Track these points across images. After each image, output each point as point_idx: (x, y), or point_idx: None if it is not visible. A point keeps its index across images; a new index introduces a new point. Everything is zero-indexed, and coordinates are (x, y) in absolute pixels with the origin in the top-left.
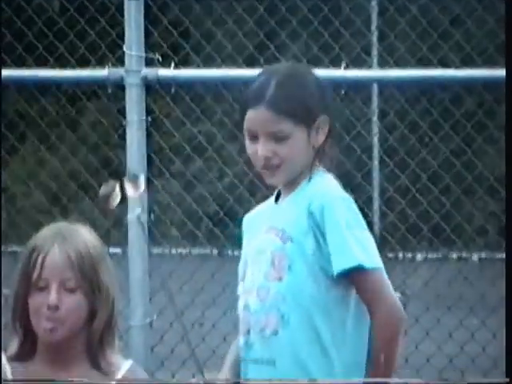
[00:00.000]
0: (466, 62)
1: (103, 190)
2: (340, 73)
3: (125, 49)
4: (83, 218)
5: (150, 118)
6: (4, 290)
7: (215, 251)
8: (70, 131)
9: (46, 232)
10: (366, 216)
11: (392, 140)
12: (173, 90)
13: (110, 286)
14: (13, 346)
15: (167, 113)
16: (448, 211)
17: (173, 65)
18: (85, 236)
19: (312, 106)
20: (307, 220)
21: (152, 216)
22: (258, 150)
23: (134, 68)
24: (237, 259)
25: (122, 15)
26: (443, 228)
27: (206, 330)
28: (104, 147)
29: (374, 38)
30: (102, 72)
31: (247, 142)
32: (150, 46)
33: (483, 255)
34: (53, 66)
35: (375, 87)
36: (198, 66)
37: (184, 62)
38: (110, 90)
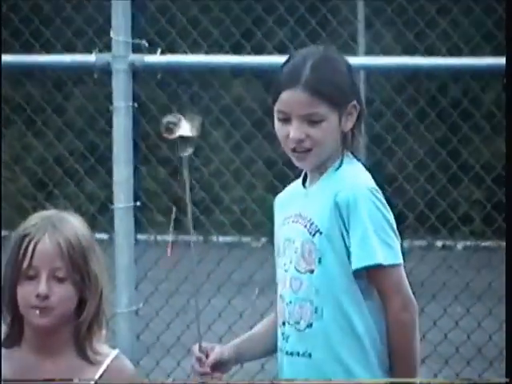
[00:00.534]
0: (453, 51)
1: (169, 118)
2: None
3: (112, 35)
4: (69, 204)
5: (136, 104)
6: None
7: (200, 238)
8: (55, 116)
9: (36, 220)
10: (393, 207)
11: (378, 128)
12: (159, 76)
13: (99, 276)
14: None
15: (154, 99)
16: (433, 199)
17: (159, 51)
18: (75, 225)
19: (345, 90)
20: (334, 211)
21: (138, 202)
22: (289, 132)
23: (121, 54)
24: (222, 246)
25: (109, 1)
26: (428, 216)
27: (191, 317)
28: (90, 133)
29: (361, 26)
30: (88, 58)
31: (278, 124)
32: (136, 32)
33: (468, 243)
34: (39, 52)
35: (362, 75)
36: (185, 53)
37: (171, 49)
38: (96, 76)
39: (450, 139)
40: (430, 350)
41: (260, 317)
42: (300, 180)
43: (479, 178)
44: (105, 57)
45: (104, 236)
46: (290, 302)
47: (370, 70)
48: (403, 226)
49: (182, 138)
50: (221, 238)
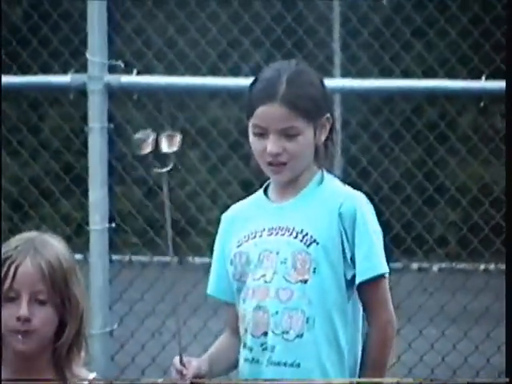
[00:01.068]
0: (428, 73)
1: (138, 135)
2: None
3: (88, 55)
4: (44, 225)
5: (112, 125)
6: None
7: (176, 259)
8: (31, 137)
9: (18, 242)
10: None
11: (354, 149)
12: (135, 97)
13: (79, 299)
14: None
15: (129, 119)
16: (409, 221)
17: (135, 72)
18: (56, 248)
19: (320, 103)
20: (336, 222)
21: (113, 223)
22: (266, 147)
23: (97, 74)
24: (198, 268)
25: (85, 22)
26: (404, 238)
27: (166, 338)
28: (66, 153)
29: (337, 48)
30: (64, 78)
31: (253, 139)
32: (112, 52)
33: (443, 265)
34: (15, 73)
35: (338, 97)
36: (161, 74)
37: (147, 70)
38: (71, 97)
39: (426, 161)
40: (405, 373)
41: None
42: (258, 195)
43: (455, 201)
44: (80, 77)
45: (79, 256)
46: (277, 313)
47: (346, 92)
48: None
49: (160, 154)
50: (197, 260)
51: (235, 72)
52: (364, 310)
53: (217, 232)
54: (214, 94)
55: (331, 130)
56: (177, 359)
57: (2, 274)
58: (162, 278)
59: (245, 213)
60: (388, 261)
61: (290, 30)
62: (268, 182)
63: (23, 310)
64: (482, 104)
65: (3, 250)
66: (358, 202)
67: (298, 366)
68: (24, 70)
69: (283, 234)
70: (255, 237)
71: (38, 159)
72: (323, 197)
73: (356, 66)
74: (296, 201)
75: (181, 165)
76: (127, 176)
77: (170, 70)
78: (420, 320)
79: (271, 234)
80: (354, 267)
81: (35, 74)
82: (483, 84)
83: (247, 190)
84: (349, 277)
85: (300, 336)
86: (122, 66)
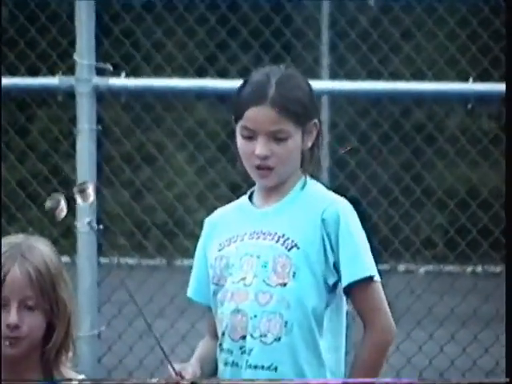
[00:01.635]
0: (417, 75)
1: (48, 204)
2: None
3: (76, 58)
4: (31, 227)
5: (100, 127)
6: None
7: (164, 262)
8: (18, 139)
9: (6, 248)
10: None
11: (342, 152)
12: (123, 99)
13: (67, 303)
14: None
15: (117, 121)
16: (396, 223)
17: (123, 74)
18: (44, 252)
19: (308, 107)
20: (318, 228)
21: (101, 226)
22: (255, 149)
23: (85, 77)
24: (185, 269)
25: (74, 24)
26: (391, 240)
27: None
28: (54, 155)
29: (325, 50)
30: (52, 80)
31: (241, 141)
32: (101, 55)
33: (430, 268)
34: (3, 75)
35: (326, 99)
36: (149, 76)
37: (135, 72)
38: (60, 99)
39: (414, 164)
40: (393, 375)
41: None
42: (243, 200)
43: (442, 203)
44: (69, 80)
45: (66, 259)
46: (255, 316)
47: (334, 94)
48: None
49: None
50: (185, 262)
51: (223, 74)
52: (359, 316)
53: None
54: (202, 95)
55: (317, 136)
56: (171, 371)
57: None
58: (150, 279)
59: (228, 217)
60: (375, 263)
61: (278, 33)
62: (253, 188)
63: (12, 317)
64: (469, 106)
65: None
66: (341, 208)
67: (275, 369)
68: (11, 72)
69: (265, 239)
70: (236, 241)
71: (26, 161)
72: (306, 202)
73: (344, 68)
74: (279, 206)
75: (168, 166)
76: (115, 178)
77: (158, 73)
78: (408, 322)
79: (252, 238)
80: (337, 273)
81: (23, 75)
82: (471, 86)
83: (235, 192)
84: (330, 282)
85: (278, 339)
86: (111, 68)
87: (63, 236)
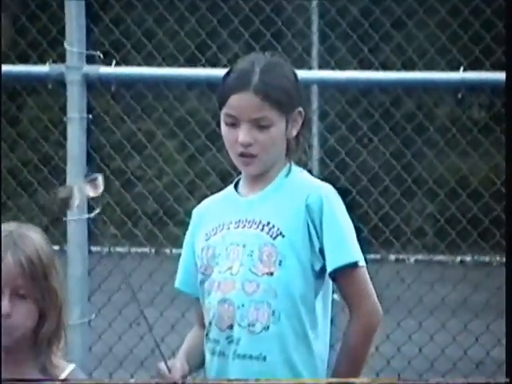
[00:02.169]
0: (407, 65)
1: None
2: None
3: (66, 45)
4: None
5: (90, 115)
6: None
7: (153, 250)
8: (9, 127)
9: None
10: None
11: (332, 141)
12: (113, 88)
13: (59, 292)
14: None
15: (108, 110)
16: (386, 213)
17: (114, 63)
18: (35, 241)
19: (293, 95)
20: (303, 214)
21: (91, 214)
22: (237, 137)
23: (75, 65)
24: (175, 258)
25: (64, 12)
26: (382, 229)
27: (144, 329)
28: (44, 144)
29: (315, 39)
30: (42, 68)
31: (225, 129)
32: (91, 43)
33: (420, 257)
34: None
35: (316, 88)
36: (139, 65)
37: (125, 60)
38: (50, 87)
39: (404, 153)
40: (383, 364)
41: None
42: (229, 189)
43: (432, 192)
44: (59, 67)
45: (56, 247)
46: (243, 305)
47: (324, 84)
48: (357, 240)
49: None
50: (174, 251)
51: (213, 63)
52: (345, 301)
53: None
54: (192, 84)
55: (303, 125)
56: (162, 365)
57: None
58: (140, 268)
59: (214, 207)
60: (365, 252)
61: (269, 21)
62: (239, 177)
63: (4, 306)
64: (459, 95)
65: None
66: (324, 193)
67: (264, 359)
68: (2, 60)
69: (250, 227)
70: (222, 229)
71: (16, 150)
72: (290, 189)
73: (334, 58)
74: (263, 194)
75: (159, 155)
76: (105, 167)
77: (148, 61)
78: (398, 312)
79: (238, 226)
80: (323, 258)
81: (13, 63)
82: (461, 75)
83: (225, 181)
84: (317, 268)
85: (266, 329)
86: (101, 56)
87: (53, 224)
